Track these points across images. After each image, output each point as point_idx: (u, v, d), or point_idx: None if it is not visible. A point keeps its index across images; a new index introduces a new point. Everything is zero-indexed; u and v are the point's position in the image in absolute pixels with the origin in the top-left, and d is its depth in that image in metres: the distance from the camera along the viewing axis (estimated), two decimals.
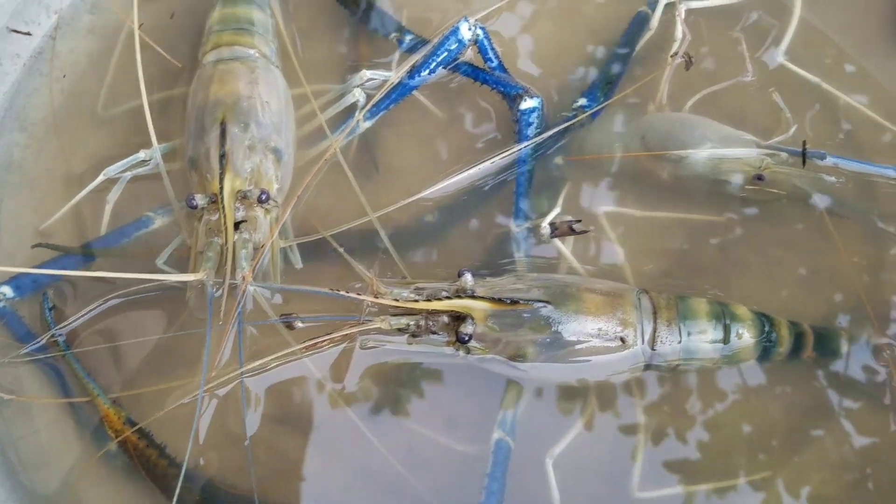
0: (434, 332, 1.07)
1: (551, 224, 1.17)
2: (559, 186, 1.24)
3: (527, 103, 1.21)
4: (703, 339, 1.08)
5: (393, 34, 1.32)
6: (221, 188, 1.10)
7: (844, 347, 1.13)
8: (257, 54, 1.26)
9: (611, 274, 1.19)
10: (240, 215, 1.11)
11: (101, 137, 1.31)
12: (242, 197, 1.11)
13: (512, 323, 1.05)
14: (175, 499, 1.02)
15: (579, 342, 1.05)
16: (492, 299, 1.04)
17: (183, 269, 1.15)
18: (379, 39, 1.34)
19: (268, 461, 1.12)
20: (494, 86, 1.24)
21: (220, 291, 1.08)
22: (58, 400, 1.15)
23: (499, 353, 1.07)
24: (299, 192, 1.18)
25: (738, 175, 1.19)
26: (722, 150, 1.19)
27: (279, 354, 1.06)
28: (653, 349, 1.07)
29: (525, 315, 1.05)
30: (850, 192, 1.21)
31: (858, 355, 1.13)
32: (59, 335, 1.15)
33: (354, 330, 1.08)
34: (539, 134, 1.22)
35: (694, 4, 1.31)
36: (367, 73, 1.26)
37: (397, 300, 1.06)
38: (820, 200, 1.18)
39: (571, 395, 1.12)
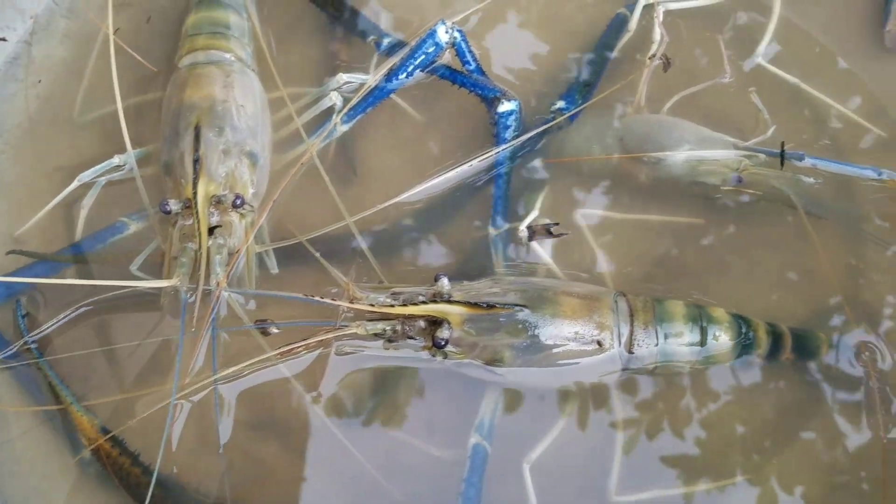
0: (411, 337, 1.07)
1: (529, 227, 1.17)
2: (538, 189, 1.23)
3: (504, 106, 1.20)
4: (680, 341, 1.07)
5: (371, 37, 1.31)
6: (195, 193, 1.09)
7: (823, 349, 1.13)
8: (233, 58, 1.25)
9: (589, 277, 1.18)
10: (214, 220, 1.10)
11: (77, 143, 1.30)
12: (217, 202, 1.10)
13: (488, 327, 1.04)
14: None
15: (556, 346, 1.05)
16: (468, 304, 1.04)
17: (158, 275, 1.14)
18: (357, 42, 1.33)
19: (243, 468, 1.11)
20: (472, 88, 1.23)
21: (194, 297, 1.07)
22: (32, 408, 1.14)
23: (476, 358, 1.06)
24: (275, 196, 1.16)
25: (716, 177, 1.18)
26: (700, 151, 1.19)
27: (254, 361, 1.05)
28: (630, 352, 1.06)
29: (501, 319, 1.04)
30: (828, 192, 1.20)
31: (837, 356, 1.13)
32: (33, 343, 1.14)
33: (330, 335, 1.07)
34: (517, 137, 1.21)
35: (672, 6, 1.31)
36: (343, 77, 1.25)
37: (373, 305, 1.05)
38: (799, 201, 1.18)
39: (549, 399, 1.12)
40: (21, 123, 1.31)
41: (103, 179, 1.21)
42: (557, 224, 1.16)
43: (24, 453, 1.13)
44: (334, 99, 1.24)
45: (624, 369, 1.07)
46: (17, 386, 1.15)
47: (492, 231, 1.19)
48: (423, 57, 1.23)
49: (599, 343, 1.05)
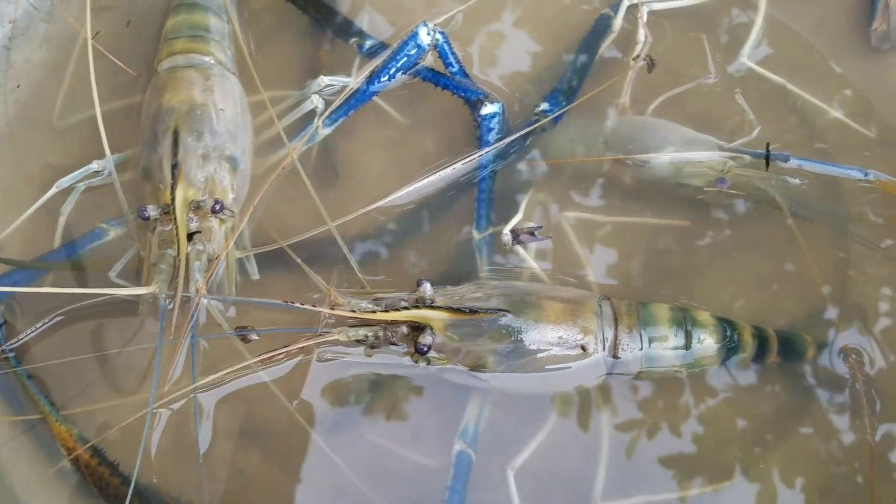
0: (393, 343, 1.05)
1: (513, 231, 1.15)
2: (522, 192, 1.22)
3: (487, 108, 1.19)
4: (665, 345, 1.06)
5: (353, 39, 1.30)
6: (173, 198, 1.07)
7: (810, 351, 1.12)
8: (213, 61, 1.24)
9: (574, 281, 1.17)
10: (194, 226, 1.09)
11: (57, 148, 1.28)
12: (196, 207, 1.09)
13: (471, 332, 1.03)
14: None
15: (540, 351, 1.04)
16: (450, 309, 1.02)
17: (137, 282, 1.13)
18: (339, 44, 1.32)
19: (225, 477, 1.10)
20: (455, 91, 1.22)
21: (172, 304, 1.05)
22: (10, 418, 1.12)
23: (459, 364, 1.05)
24: (256, 201, 1.15)
25: (701, 178, 1.17)
26: (684, 153, 1.17)
27: (234, 368, 1.04)
28: (614, 356, 1.05)
29: (484, 324, 1.03)
30: (814, 194, 1.20)
31: (824, 359, 1.12)
32: (11, 352, 1.13)
33: (311, 342, 1.06)
34: (500, 139, 1.20)
35: (656, 6, 1.30)
36: (325, 80, 1.24)
37: (354, 311, 1.04)
38: (784, 203, 1.17)
39: (534, 404, 1.10)
40: None
41: (82, 185, 1.20)
42: (541, 227, 1.15)
43: (4, 463, 1.12)
44: (316, 102, 1.23)
45: (609, 374, 1.06)
46: None
47: (475, 235, 1.18)
48: (405, 59, 1.22)
49: (583, 348, 1.04)
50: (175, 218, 1.07)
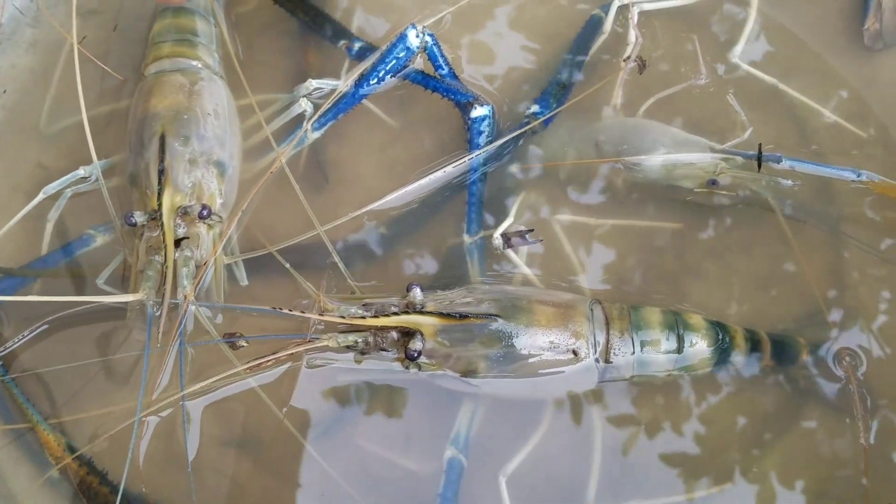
0: (383, 349, 1.05)
1: (504, 235, 1.15)
2: (513, 195, 1.21)
3: (477, 111, 1.18)
4: (657, 349, 1.06)
5: (342, 42, 1.29)
6: (160, 204, 1.07)
7: (803, 354, 1.11)
8: (200, 65, 1.23)
9: (566, 284, 1.16)
10: (181, 232, 1.08)
11: (44, 154, 1.27)
12: (183, 213, 1.08)
13: (462, 338, 1.03)
14: None
15: (531, 356, 1.03)
16: (440, 314, 1.02)
17: (125, 289, 1.12)
18: (327, 47, 1.31)
19: (215, 485, 1.09)
20: (445, 93, 1.21)
21: (160, 311, 1.04)
22: None
23: (450, 369, 1.04)
24: (244, 206, 1.14)
25: (692, 180, 1.17)
26: (676, 155, 1.17)
27: (222, 376, 1.03)
28: (606, 361, 1.04)
29: (475, 329, 1.02)
30: (807, 195, 1.19)
31: (818, 362, 1.11)
32: None
33: (301, 348, 1.05)
34: (491, 142, 1.19)
35: (647, 6, 1.29)
36: (313, 83, 1.23)
37: (344, 317, 1.03)
38: (776, 204, 1.16)
39: (525, 410, 1.10)
40: None
41: (69, 191, 1.19)
42: (532, 231, 1.14)
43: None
44: (304, 105, 1.22)
45: (601, 379, 1.05)
46: None
47: (466, 239, 1.17)
48: (394, 62, 1.21)
49: (575, 352, 1.03)
50: (162, 224, 1.06)
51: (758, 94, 1.27)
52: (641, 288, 1.17)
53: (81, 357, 1.12)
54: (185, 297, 1.05)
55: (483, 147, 1.19)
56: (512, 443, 1.08)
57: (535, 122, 1.21)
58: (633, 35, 1.26)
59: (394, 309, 1.04)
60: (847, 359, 1.10)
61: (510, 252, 1.15)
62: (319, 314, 1.03)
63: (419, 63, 1.25)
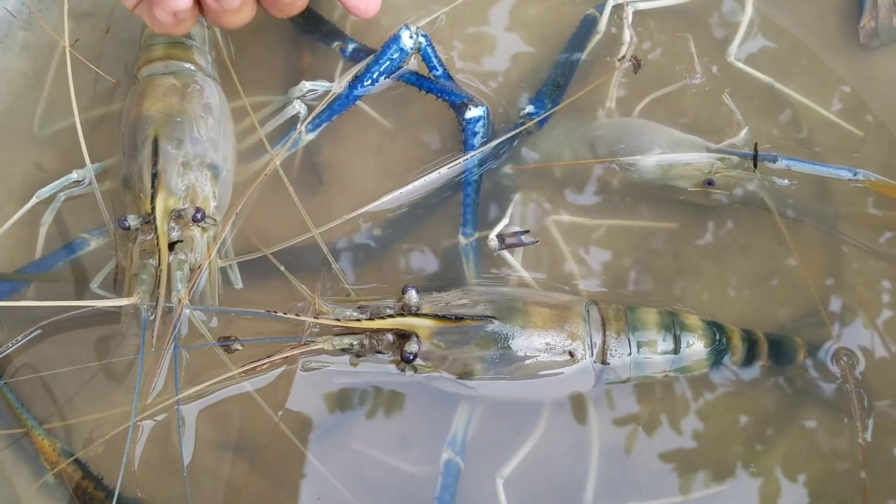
0: (379, 352, 1.04)
1: (499, 236, 1.14)
2: (508, 196, 1.21)
3: (472, 112, 1.18)
4: (654, 350, 1.05)
5: (335, 43, 1.28)
6: (154, 208, 1.06)
7: (800, 354, 1.11)
8: (193, 67, 1.22)
9: (562, 285, 1.16)
10: (175, 235, 1.08)
11: (38, 158, 1.27)
12: (177, 216, 1.08)
13: (458, 340, 1.02)
14: None
15: (527, 357, 1.02)
16: (436, 316, 1.01)
17: (119, 293, 1.12)
18: (321, 49, 1.30)
19: (211, 489, 1.09)
20: (439, 94, 1.21)
21: (154, 315, 1.04)
22: None
23: (446, 371, 1.04)
24: (238, 208, 1.14)
25: (688, 180, 1.16)
26: (671, 155, 1.16)
27: (217, 379, 1.03)
28: (603, 362, 1.04)
29: (471, 331, 1.02)
30: (803, 194, 1.18)
31: (815, 362, 1.11)
32: None
33: (296, 351, 1.04)
34: (485, 143, 1.19)
35: (641, 6, 1.28)
36: (307, 85, 1.22)
37: (339, 319, 1.03)
38: (773, 204, 1.15)
39: (522, 412, 1.09)
40: None
41: (63, 195, 1.18)
42: (527, 232, 1.14)
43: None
44: (298, 107, 1.21)
45: (598, 381, 1.05)
46: None
47: (462, 240, 1.17)
48: (388, 63, 1.20)
49: (571, 354, 1.03)
50: (156, 227, 1.05)
51: (754, 94, 1.27)
52: (638, 288, 1.16)
53: (76, 361, 1.12)
54: (180, 300, 1.04)
55: (478, 148, 1.18)
56: (509, 445, 1.07)
57: (530, 123, 1.21)
58: (627, 35, 1.26)
59: (389, 311, 1.03)
60: (844, 358, 1.10)
61: (506, 253, 1.15)
62: (314, 317, 1.03)
63: (413, 64, 1.24)
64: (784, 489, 1.07)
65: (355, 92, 1.22)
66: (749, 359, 1.09)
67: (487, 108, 1.19)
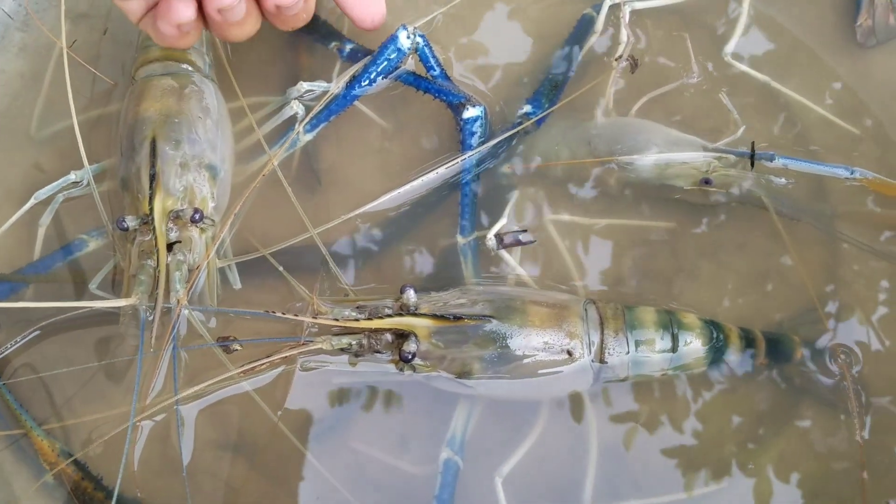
0: (377, 352, 1.05)
1: (497, 235, 1.14)
2: (506, 196, 1.21)
3: (469, 112, 1.18)
4: (652, 348, 1.06)
5: (333, 43, 1.28)
6: (152, 209, 1.06)
7: (798, 352, 1.11)
8: (190, 68, 1.22)
9: (559, 285, 1.16)
10: (173, 236, 1.08)
11: (36, 159, 1.27)
12: (175, 217, 1.08)
13: (456, 339, 1.02)
14: None
15: (525, 356, 1.02)
16: (434, 316, 1.01)
17: (118, 293, 1.12)
18: (319, 49, 1.30)
19: (211, 489, 1.09)
20: (437, 94, 1.21)
21: (153, 316, 1.04)
22: None
23: (445, 371, 1.04)
24: (236, 209, 1.14)
25: (685, 179, 1.16)
26: (668, 154, 1.16)
27: (216, 379, 1.03)
28: (601, 361, 1.04)
29: (469, 331, 1.02)
30: (800, 193, 1.19)
31: (813, 359, 1.11)
32: None
33: (295, 351, 1.04)
34: (483, 143, 1.19)
35: (638, 5, 1.29)
36: (304, 85, 1.22)
37: (338, 319, 1.03)
38: (770, 202, 1.16)
39: (521, 411, 1.09)
40: None
41: (61, 196, 1.19)
42: (526, 231, 1.14)
43: None
44: (296, 108, 1.22)
45: (596, 379, 1.05)
46: None
47: (460, 240, 1.17)
48: (385, 63, 1.20)
49: (569, 353, 1.03)
50: (154, 228, 1.05)
51: (750, 92, 1.27)
52: (635, 287, 1.16)
53: (75, 362, 1.12)
54: (178, 301, 1.04)
55: (476, 148, 1.18)
56: (508, 444, 1.07)
57: (528, 123, 1.21)
58: (624, 34, 1.26)
59: (388, 311, 1.04)
60: (842, 356, 1.10)
61: (504, 252, 1.15)
62: (313, 317, 1.03)
63: (411, 64, 1.24)
64: (782, 487, 1.08)
65: (353, 92, 1.22)
66: (747, 357, 1.10)
67: (485, 108, 1.19)
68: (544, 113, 1.22)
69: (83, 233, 1.17)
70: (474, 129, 1.18)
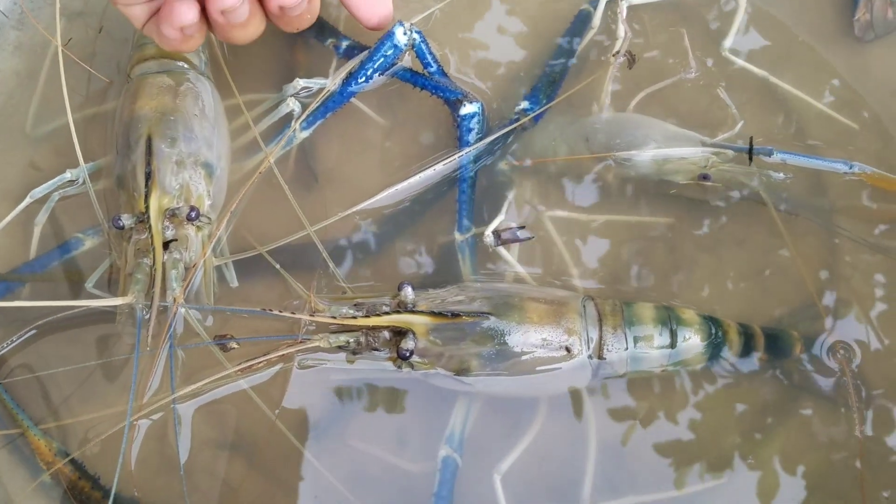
0: (375, 349, 1.04)
1: (495, 232, 1.14)
2: (503, 192, 1.21)
3: (466, 108, 1.17)
4: (650, 344, 1.05)
5: (329, 40, 1.28)
6: (148, 207, 1.06)
7: (797, 348, 1.11)
8: (186, 65, 1.22)
9: (558, 281, 1.16)
10: (169, 234, 1.07)
11: (31, 157, 1.26)
12: (171, 215, 1.07)
13: (454, 336, 1.02)
14: None
15: (524, 353, 1.02)
16: (432, 313, 1.01)
17: (114, 292, 1.11)
18: (315, 46, 1.30)
19: (208, 488, 1.08)
20: (434, 91, 1.20)
21: (149, 314, 1.03)
22: None
23: (443, 368, 1.03)
24: (233, 207, 1.14)
25: (683, 175, 1.16)
26: (666, 149, 1.16)
27: (213, 378, 1.03)
28: (600, 357, 1.04)
29: (467, 328, 1.02)
30: (799, 188, 1.18)
31: (812, 355, 1.11)
32: None
33: (292, 349, 1.04)
34: (480, 139, 1.19)
35: (636, 1, 1.28)
36: (300, 82, 1.22)
37: (335, 317, 1.03)
38: (769, 197, 1.15)
39: (520, 407, 1.09)
40: None
41: (57, 195, 1.18)
42: (524, 227, 1.14)
43: None
44: (292, 105, 1.21)
45: (595, 376, 1.05)
46: None
47: (458, 236, 1.16)
48: (382, 60, 1.20)
49: (568, 349, 1.03)
50: (150, 226, 1.05)
51: (748, 87, 1.27)
52: (634, 283, 1.16)
53: (71, 361, 1.11)
54: (175, 299, 1.04)
55: (473, 144, 1.18)
56: (506, 440, 1.07)
57: (525, 119, 1.20)
58: (621, 30, 1.25)
59: (385, 308, 1.03)
60: (841, 351, 1.10)
61: (502, 249, 1.14)
62: (310, 315, 1.03)
63: (407, 61, 1.24)
64: (781, 482, 1.07)
65: (349, 89, 1.21)
66: (746, 353, 1.10)
67: (482, 105, 1.19)
68: (542, 109, 1.22)
69: (79, 231, 1.17)
70: (471, 126, 1.18)
